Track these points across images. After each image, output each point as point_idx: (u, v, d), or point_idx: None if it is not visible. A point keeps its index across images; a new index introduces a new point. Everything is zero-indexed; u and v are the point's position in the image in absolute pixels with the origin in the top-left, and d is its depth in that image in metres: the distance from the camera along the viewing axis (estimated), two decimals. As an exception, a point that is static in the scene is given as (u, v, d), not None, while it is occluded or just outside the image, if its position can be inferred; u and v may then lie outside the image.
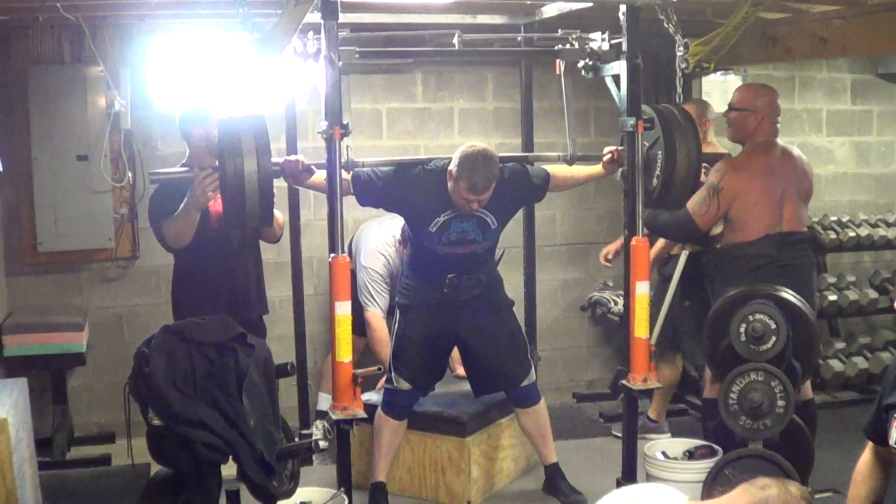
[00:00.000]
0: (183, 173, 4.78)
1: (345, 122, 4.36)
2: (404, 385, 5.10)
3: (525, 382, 5.20)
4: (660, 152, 4.98)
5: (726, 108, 5.39)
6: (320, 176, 4.55)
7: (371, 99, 6.49)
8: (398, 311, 5.19)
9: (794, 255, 5.18)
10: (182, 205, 4.66)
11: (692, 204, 5.16)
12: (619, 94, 4.93)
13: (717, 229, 5.43)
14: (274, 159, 4.39)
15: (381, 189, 4.84)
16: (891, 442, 2.88)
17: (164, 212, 4.79)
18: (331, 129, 4.32)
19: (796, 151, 5.39)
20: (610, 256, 6.13)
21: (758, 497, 2.55)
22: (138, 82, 6.11)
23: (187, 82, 6.09)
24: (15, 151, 5.96)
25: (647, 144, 4.98)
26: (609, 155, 5.02)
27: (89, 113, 5.97)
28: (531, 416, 5.29)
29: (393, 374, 5.13)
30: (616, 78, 4.95)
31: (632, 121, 4.81)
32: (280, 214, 5.07)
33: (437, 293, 5.03)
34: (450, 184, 4.77)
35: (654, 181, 5.02)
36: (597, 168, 5.14)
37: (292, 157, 4.58)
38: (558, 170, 5.18)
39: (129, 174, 6.13)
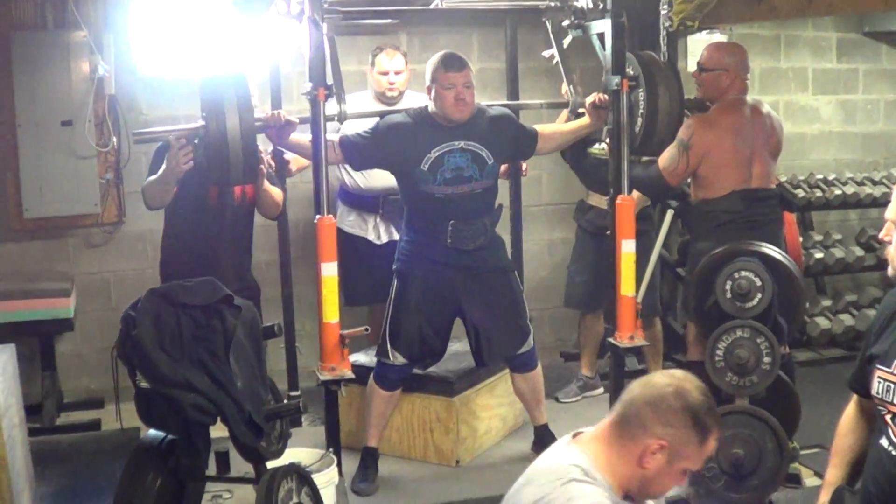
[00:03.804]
0: (167, 132, 4.76)
1: (329, 84, 4.36)
2: (399, 359, 4.97)
3: (523, 349, 5.15)
4: (641, 93, 4.97)
5: (696, 67, 5.36)
6: (301, 138, 4.55)
7: (356, 60, 6.45)
8: (395, 278, 5.02)
9: (761, 212, 5.16)
10: (161, 170, 4.66)
11: (662, 160, 5.14)
12: (604, 52, 4.93)
13: None
14: (256, 114, 4.39)
15: (371, 143, 4.80)
16: (873, 392, 2.89)
17: (154, 170, 4.78)
18: (315, 91, 4.32)
19: (765, 108, 5.35)
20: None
21: (653, 392, 2.53)
22: (122, 47, 6.07)
23: (171, 46, 6.05)
24: (-2, 118, 5.93)
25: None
26: (594, 99, 5.01)
27: (73, 78, 5.93)
28: (528, 380, 5.27)
29: (389, 346, 4.97)
30: (601, 36, 4.95)
31: (616, 79, 4.81)
32: (279, 192, 5.09)
33: (438, 248, 4.88)
34: (431, 99, 4.77)
35: (637, 126, 5.02)
36: (583, 120, 5.11)
37: (275, 112, 4.57)
38: (544, 127, 5.20)
39: (114, 139, 6.10)
